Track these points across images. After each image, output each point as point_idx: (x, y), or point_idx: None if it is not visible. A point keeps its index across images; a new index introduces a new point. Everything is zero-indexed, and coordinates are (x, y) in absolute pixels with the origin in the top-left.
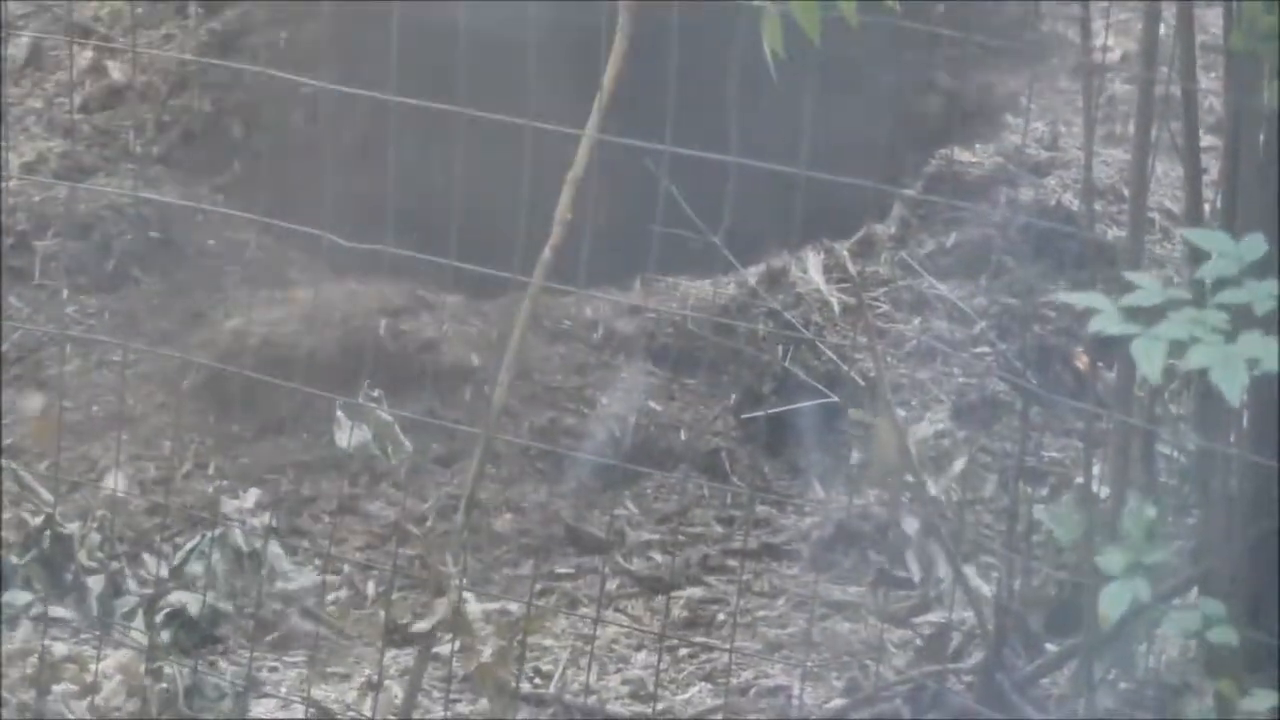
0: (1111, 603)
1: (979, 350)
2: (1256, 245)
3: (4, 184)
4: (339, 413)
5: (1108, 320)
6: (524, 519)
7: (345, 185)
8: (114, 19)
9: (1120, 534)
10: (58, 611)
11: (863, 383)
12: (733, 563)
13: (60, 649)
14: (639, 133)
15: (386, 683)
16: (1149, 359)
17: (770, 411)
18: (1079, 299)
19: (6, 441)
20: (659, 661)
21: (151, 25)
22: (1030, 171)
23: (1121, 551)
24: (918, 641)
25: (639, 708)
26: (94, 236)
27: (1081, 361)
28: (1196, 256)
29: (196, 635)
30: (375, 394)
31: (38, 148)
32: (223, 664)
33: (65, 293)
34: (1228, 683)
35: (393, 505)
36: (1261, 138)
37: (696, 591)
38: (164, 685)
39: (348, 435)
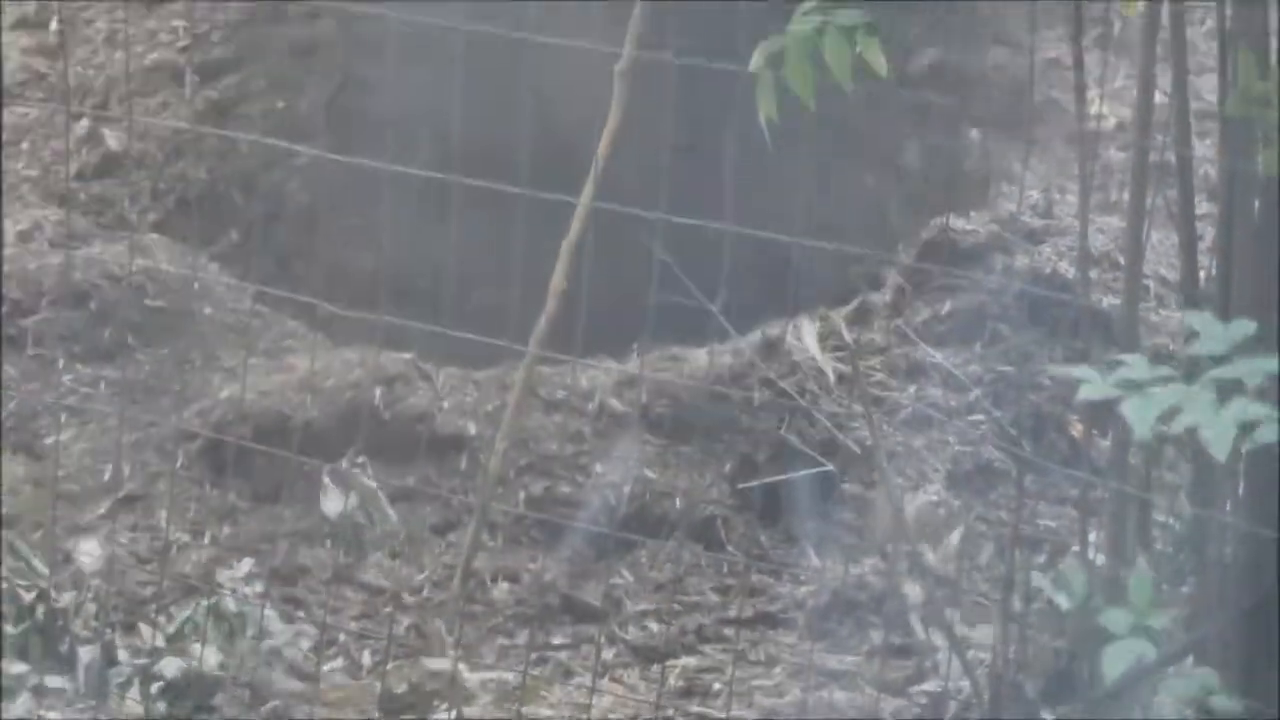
0: (1114, 661)
1: (974, 418)
2: (1244, 328)
3: (0, 252)
4: (326, 480)
5: (1096, 386)
6: (519, 588)
7: (342, 254)
8: (110, 86)
9: (1124, 598)
10: (54, 681)
11: (858, 451)
12: (729, 631)
13: (55, 719)
14: (635, 202)
15: None
16: (1140, 416)
17: (766, 480)
18: (1070, 371)
19: (5, 511)
20: None
21: (148, 93)
22: (1025, 239)
23: (1126, 613)
24: (914, 710)
25: None
26: (90, 305)
27: (1076, 429)
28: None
29: (190, 704)
30: (360, 461)
31: (33, 215)
32: None
33: (61, 361)
34: None
35: (388, 575)
36: (1256, 204)
37: (692, 661)
38: None
39: (334, 503)
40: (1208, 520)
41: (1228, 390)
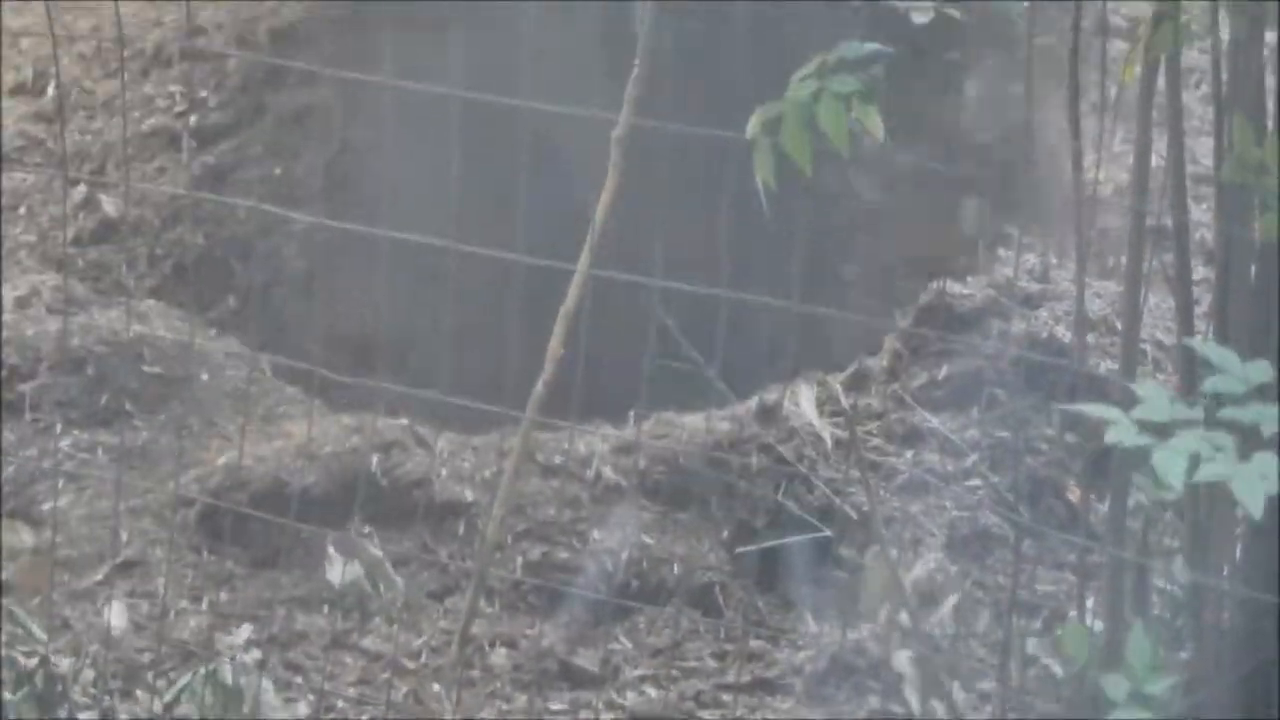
0: None
1: (971, 483)
2: (1263, 370)
3: None
4: (330, 548)
5: (1124, 431)
6: (517, 654)
7: (339, 319)
8: (107, 152)
9: (1123, 663)
10: None
11: (856, 517)
12: (727, 697)
13: None
14: (632, 265)
15: None
16: (1171, 469)
17: (763, 546)
18: (1093, 410)
19: (4, 576)
20: None
21: (145, 159)
22: (1022, 304)
23: (1125, 678)
24: None
25: None
26: (87, 371)
27: (1074, 494)
28: (1192, 386)
29: None
30: (366, 531)
31: (31, 281)
32: None
33: (59, 427)
34: None
35: (386, 641)
36: (1253, 269)
37: None
38: None
39: (339, 571)
40: (1206, 585)
41: (1246, 437)
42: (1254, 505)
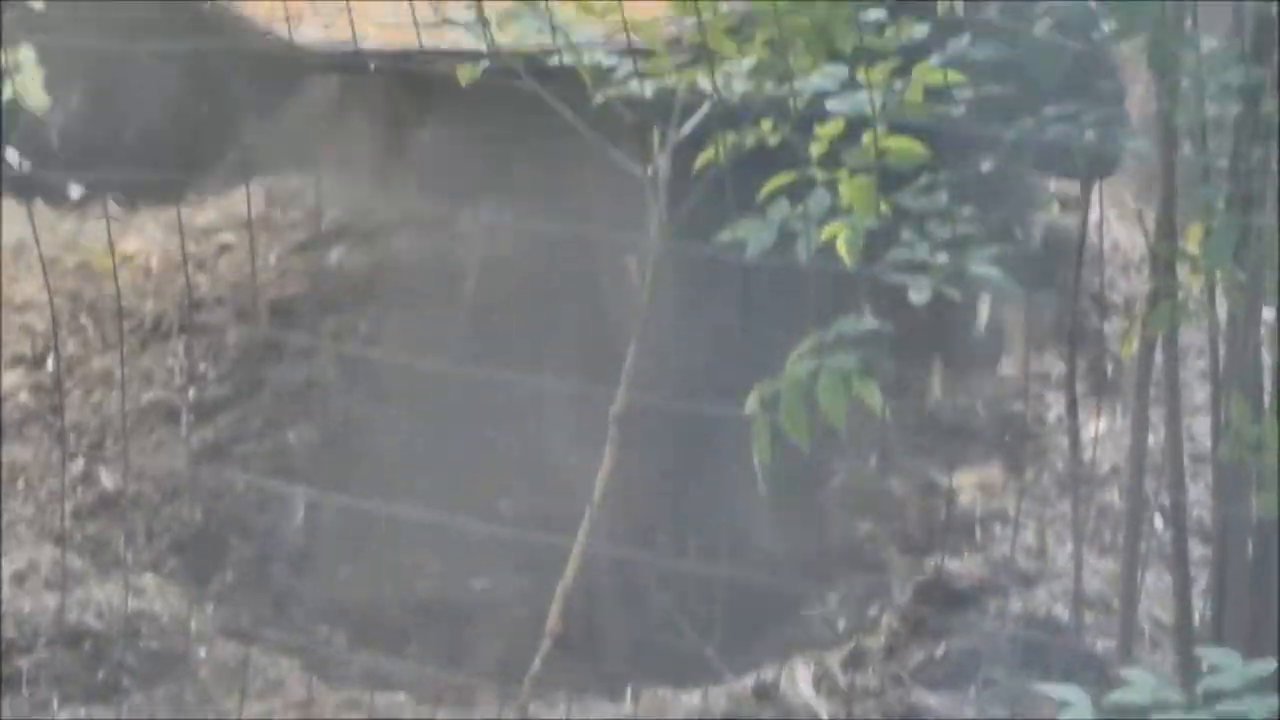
0: None
1: None
2: (1266, 666)
3: None
4: None
5: (1079, 713)
6: None
7: (337, 594)
8: (106, 425)
9: None
10: None
11: None
12: None
13: None
14: (631, 539)
15: None
16: None
17: None
18: (1055, 691)
19: None
20: None
21: (143, 433)
22: (1019, 582)
23: None
24: None
25: None
26: (84, 646)
27: None
28: (1188, 668)
29: None
30: None
31: (29, 555)
32: None
33: (56, 702)
34: None
35: None
36: (1250, 546)
37: None
38: None
39: None
40: None
41: None
42: None
